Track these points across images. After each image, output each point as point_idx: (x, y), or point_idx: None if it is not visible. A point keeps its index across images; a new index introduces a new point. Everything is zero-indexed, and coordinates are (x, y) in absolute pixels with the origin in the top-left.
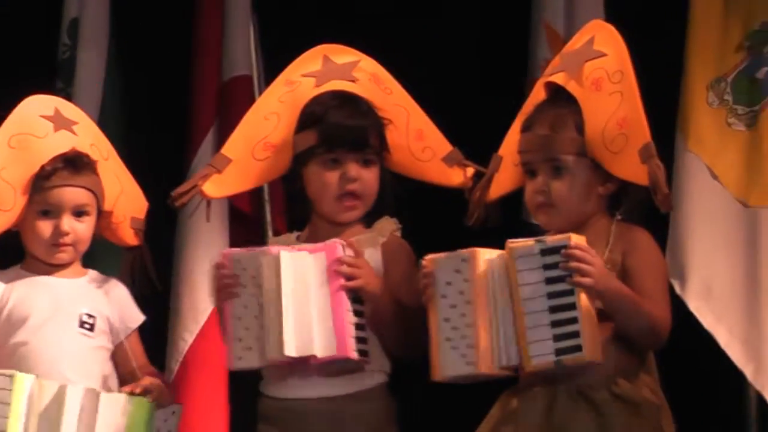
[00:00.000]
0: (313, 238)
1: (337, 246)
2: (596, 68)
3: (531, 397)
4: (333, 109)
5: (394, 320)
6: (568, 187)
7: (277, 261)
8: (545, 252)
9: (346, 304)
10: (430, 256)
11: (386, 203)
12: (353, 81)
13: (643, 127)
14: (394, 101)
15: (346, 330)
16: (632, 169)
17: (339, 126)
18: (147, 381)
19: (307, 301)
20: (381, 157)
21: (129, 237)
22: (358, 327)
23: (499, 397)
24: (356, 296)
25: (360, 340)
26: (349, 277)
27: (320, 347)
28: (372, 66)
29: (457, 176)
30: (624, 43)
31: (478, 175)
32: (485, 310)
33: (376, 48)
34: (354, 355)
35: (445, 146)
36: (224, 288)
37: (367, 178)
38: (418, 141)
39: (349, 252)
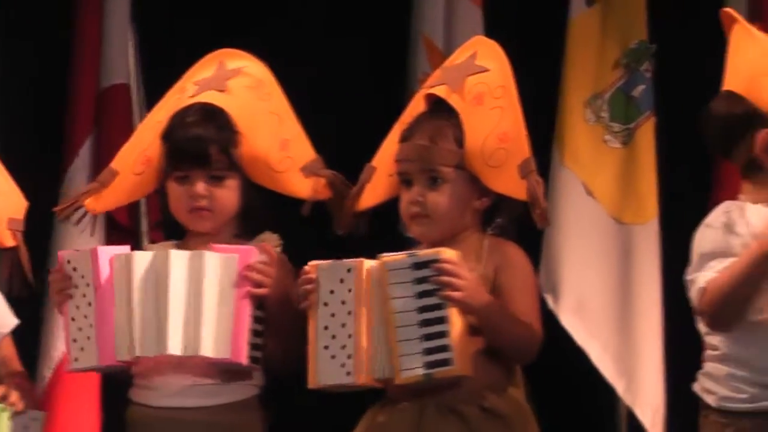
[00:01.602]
0: (186, 247)
1: (253, 252)
2: (478, 83)
3: (399, 411)
4: (179, 124)
5: (285, 332)
6: (445, 199)
7: (164, 259)
8: (417, 266)
9: (249, 311)
10: (314, 263)
11: (259, 217)
12: (224, 91)
13: (523, 142)
14: (270, 109)
15: (244, 335)
16: (511, 183)
17: (180, 142)
18: (2, 388)
19: (202, 301)
20: (239, 171)
21: (6, 238)
22: (256, 334)
23: (366, 411)
24: (259, 303)
25: (255, 347)
26: (257, 284)
27: (213, 348)
28: (259, 71)
29: (306, 188)
30: (506, 59)
31: (343, 185)
32: (366, 321)
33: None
34: (246, 361)
35: (307, 156)
36: (59, 290)
37: (218, 195)
38: (280, 151)
39: (264, 258)
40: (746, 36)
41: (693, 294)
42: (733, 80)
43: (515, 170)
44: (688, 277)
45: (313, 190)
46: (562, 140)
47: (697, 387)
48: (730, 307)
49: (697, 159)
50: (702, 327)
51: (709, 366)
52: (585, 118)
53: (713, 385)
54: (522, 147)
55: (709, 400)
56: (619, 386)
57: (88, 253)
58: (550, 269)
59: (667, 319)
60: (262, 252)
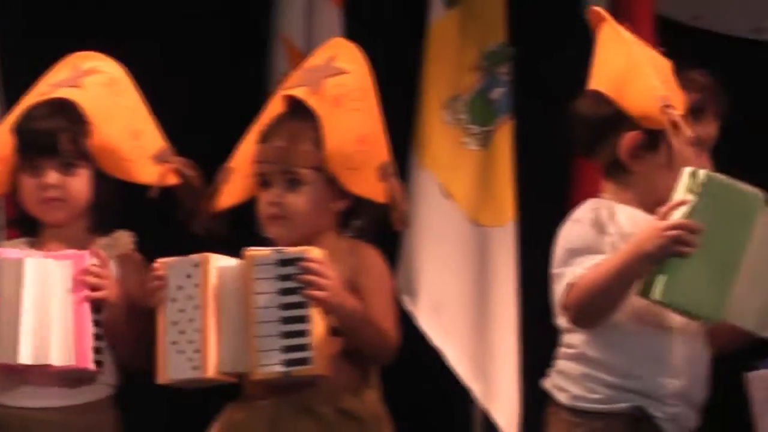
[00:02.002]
0: (40, 244)
1: (85, 256)
2: (337, 85)
3: (255, 409)
4: (28, 116)
5: (128, 331)
6: (303, 201)
7: (18, 267)
8: (283, 263)
9: (89, 315)
10: (162, 260)
11: (112, 212)
12: (77, 87)
13: (382, 145)
14: (123, 104)
15: (87, 341)
16: (369, 186)
17: (29, 131)
18: None
19: (48, 309)
20: (91, 162)
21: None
22: (98, 337)
23: (223, 408)
24: (97, 306)
25: (98, 350)
26: (94, 288)
27: (58, 356)
28: (113, 69)
29: (154, 174)
30: (365, 62)
31: (193, 172)
32: (216, 315)
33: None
34: (92, 366)
35: (157, 145)
36: None
37: (69, 184)
38: (131, 141)
39: (96, 261)
40: (614, 36)
41: (558, 288)
42: (600, 80)
43: (374, 172)
44: (554, 271)
45: (160, 177)
46: (421, 142)
47: (548, 383)
48: (596, 305)
49: (553, 162)
50: (563, 323)
51: (563, 364)
52: (443, 120)
53: (566, 383)
54: (381, 149)
55: (561, 397)
56: (475, 388)
57: None
58: (408, 271)
59: (523, 322)
60: (93, 255)
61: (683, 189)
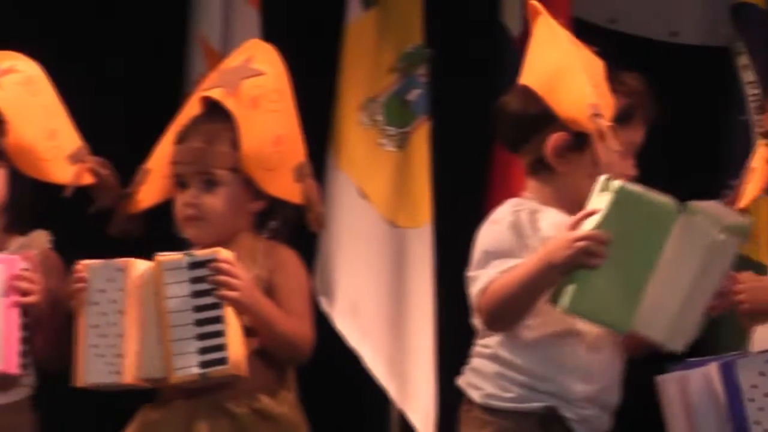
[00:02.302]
0: None
1: (17, 260)
2: (254, 86)
3: (171, 410)
4: None
5: (48, 332)
6: (220, 202)
7: None
8: (193, 266)
9: (17, 320)
10: (84, 262)
11: (28, 213)
12: None
13: (298, 146)
14: (39, 102)
15: (14, 346)
16: (286, 187)
17: None
18: None
19: None
20: (6, 161)
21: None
22: (24, 341)
23: (138, 410)
24: (25, 310)
25: (23, 354)
26: (24, 293)
27: None
28: (30, 68)
29: (69, 174)
30: (282, 64)
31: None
32: (137, 321)
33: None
34: (18, 371)
35: (74, 144)
36: None
37: None
38: (47, 141)
39: (28, 266)
40: (549, 32)
41: (473, 291)
42: (531, 76)
43: (290, 173)
44: (470, 273)
45: (75, 176)
46: (338, 143)
47: (462, 381)
48: (508, 310)
49: (471, 163)
50: (478, 323)
51: (477, 362)
52: (360, 122)
53: (480, 381)
54: (297, 150)
55: (474, 395)
56: (391, 388)
57: None
58: (325, 271)
59: (440, 322)
60: (24, 260)
61: (596, 197)
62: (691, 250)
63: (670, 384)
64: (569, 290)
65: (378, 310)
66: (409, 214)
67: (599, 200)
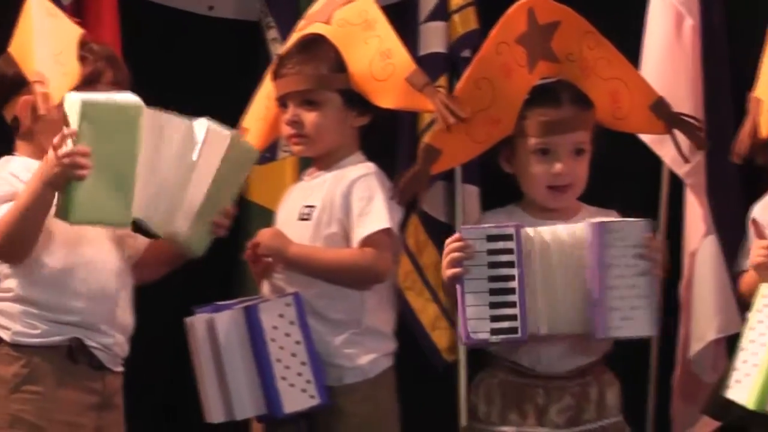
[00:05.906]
0: None
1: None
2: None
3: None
4: None
5: None
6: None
7: None
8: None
9: None
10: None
11: None
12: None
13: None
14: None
15: None
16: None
17: None
18: None
19: None
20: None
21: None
22: None
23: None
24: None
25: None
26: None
27: None
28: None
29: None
30: None
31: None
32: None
33: None
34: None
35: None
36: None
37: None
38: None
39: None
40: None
41: None
42: (12, 44)
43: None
44: None
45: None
46: None
47: None
48: (16, 237)
49: None
50: (2, 268)
51: (2, 305)
52: None
53: (8, 322)
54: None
55: (4, 335)
56: None
57: None
58: None
59: None
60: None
61: (70, 118)
62: (169, 141)
63: (198, 325)
64: (69, 203)
65: None
66: None
67: (73, 120)
